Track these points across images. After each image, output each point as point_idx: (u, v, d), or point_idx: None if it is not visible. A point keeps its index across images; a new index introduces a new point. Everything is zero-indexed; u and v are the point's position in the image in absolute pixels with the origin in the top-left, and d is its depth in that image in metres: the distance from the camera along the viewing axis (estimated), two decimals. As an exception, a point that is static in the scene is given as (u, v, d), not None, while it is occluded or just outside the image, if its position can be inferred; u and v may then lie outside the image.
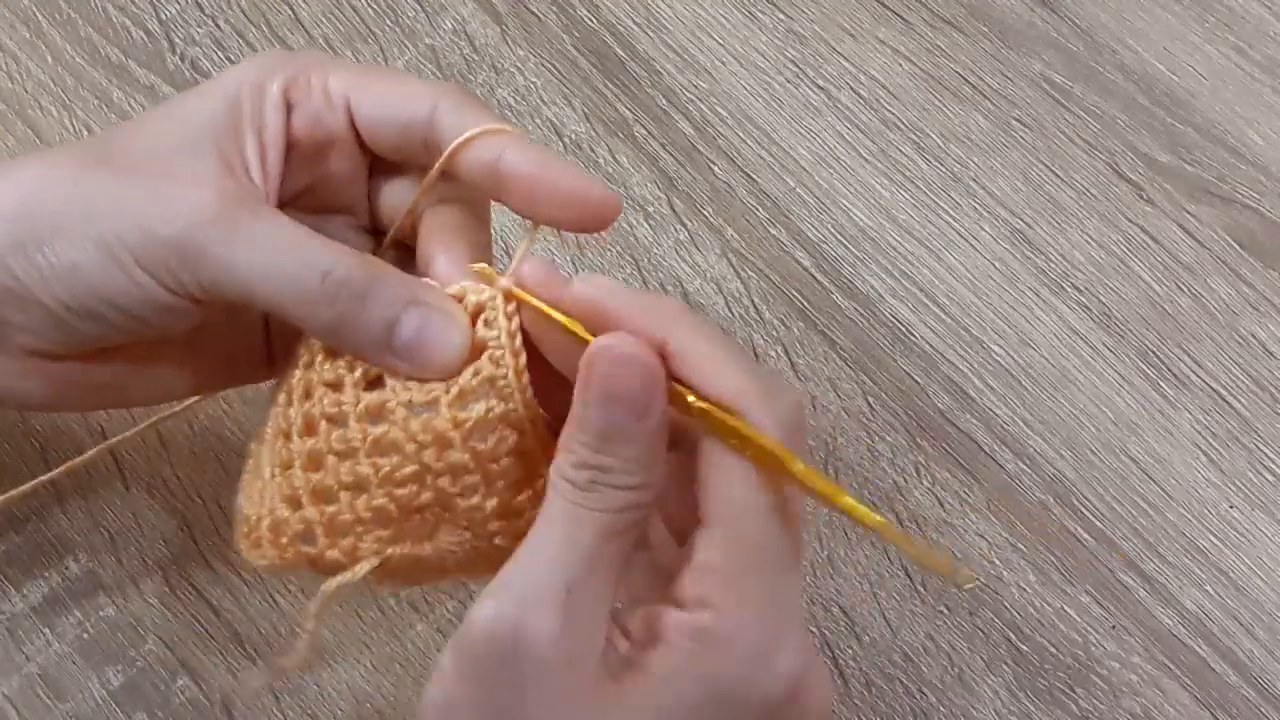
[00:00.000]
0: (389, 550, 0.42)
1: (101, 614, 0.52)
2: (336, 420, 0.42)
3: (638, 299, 0.39)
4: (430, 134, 0.43)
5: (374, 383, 0.42)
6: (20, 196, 0.42)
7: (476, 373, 0.41)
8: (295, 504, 0.42)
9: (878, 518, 0.37)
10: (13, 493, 0.49)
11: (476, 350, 0.41)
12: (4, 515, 0.53)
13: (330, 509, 0.42)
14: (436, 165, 0.43)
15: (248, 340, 0.47)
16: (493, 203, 0.45)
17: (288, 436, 0.42)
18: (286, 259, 0.40)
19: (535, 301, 0.40)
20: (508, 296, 0.41)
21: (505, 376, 0.41)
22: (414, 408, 0.41)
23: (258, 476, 0.43)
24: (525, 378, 0.41)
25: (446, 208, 0.44)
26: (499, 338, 0.41)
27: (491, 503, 0.42)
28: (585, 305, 0.39)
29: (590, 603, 0.38)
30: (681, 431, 0.39)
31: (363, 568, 0.42)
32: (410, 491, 0.41)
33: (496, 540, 0.42)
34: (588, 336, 0.39)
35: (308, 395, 0.42)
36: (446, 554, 0.42)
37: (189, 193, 0.41)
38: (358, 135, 0.44)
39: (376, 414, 0.41)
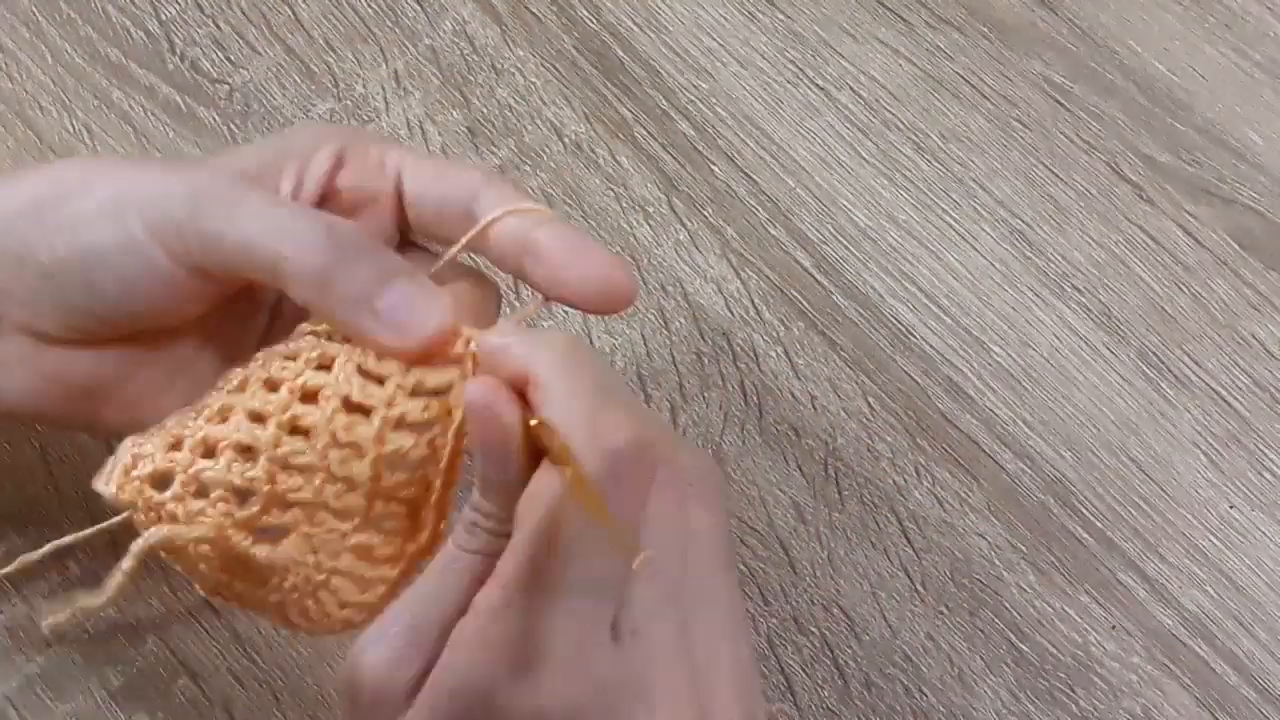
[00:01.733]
0: (228, 530, 0.41)
1: (101, 614, 0.52)
2: (271, 386, 0.41)
3: (516, 340, 0.40)
4: (470, 214, 0.44)
5: (324, 368, 0.42)
6: (46, 177, 0.43)
7: (427, 408, 0.41)
8: (174, 447, 0.42)
9: (628, 545, 0.38)
10: (31, 555, 0.48)
11: (440, 388, 0.41)
12: (3, 516, 0.53)
13: (203, 463, 0.41)
14: (469, 233, 0.43)
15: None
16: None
17: (216, 389, 0.42)
18: (291, 215, 0.42)
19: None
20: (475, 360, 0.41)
21: (444, 435, 0.41)
22: (348, 407, 0.41)
23: (160, 428, 0.43)
24: (460, 444, 0.41)
25: (459, 284, 0.44)
26: (460, 395, 0.41)
27: (357, 538, 0.42)
28: (490, 361, 0.40)
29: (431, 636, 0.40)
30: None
31: (195, 530, 0.41)
32: (293, 482, 0.41)
33: (327, 585, 0.42)
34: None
35: (261, 363, 0.42)
36: (273, 572, 0.42)
37: (201, 167, 0.42)
38: (397, 212, 0.45)
39: (310, 396, 0.41)
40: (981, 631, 0.53)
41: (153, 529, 0.42)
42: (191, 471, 0.41)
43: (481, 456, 0.39)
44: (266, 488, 0.41)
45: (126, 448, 0.43)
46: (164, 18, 0.62)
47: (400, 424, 0.41)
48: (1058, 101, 0.61)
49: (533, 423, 0.39)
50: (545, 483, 0.38)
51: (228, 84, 0.61)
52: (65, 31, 0.61)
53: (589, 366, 0.40)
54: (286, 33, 0.62)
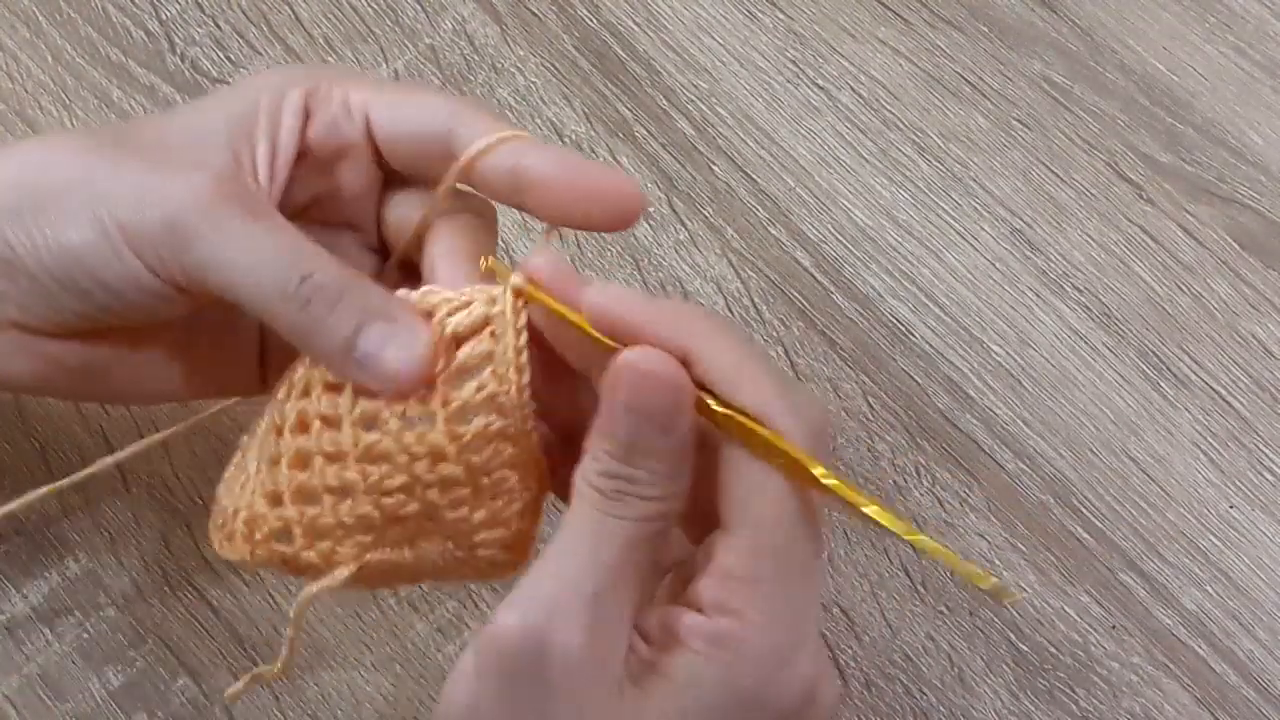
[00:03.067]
0: (367, 556, 0.42)
1: (101, 614, 0.52)
2: (330, 422, 0.41)
3: (659, 308, 0.39)
4: (448, 146, 0.43)
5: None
6: (22, 167, 0.42)
7: (480, 388, 0.40)
8: (276, 501, 0.42)
9: (911, 531, 0.38)
10: (13, 504, 0.49)
11: (479, 362, 0.41)
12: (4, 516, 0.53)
13: (311, 511, 0.41)
14: (451, 170, 0.43)
15: (241, 350, 0.47)
16: (498, 212, 0.45)
17: (279, 432, 0.42)
18: (270, 256, 0.40)
19: (549, 301, 0.40)
20: (517, 294, 0.40)
21: (508, 392, 0.40)
22: (409, 419, 0.40)
23: (242, 470, 0.43)
24: (527, 394, 0.41)
25: (453, 219, 0.44)
26: (506, 353, 0.40)
27: (479, 514, 0.41)
28: (603, 316, 0.39)
29: (615, 611, 0.38)
30: (702, 434, 0.39)
31: (341, 573, 0.41)
32: (397, 500, 0.41)
33: (479, 552, 0.42)
34: (605, 341, 0.39)
35: (306, 393, 0.42)
36: (426, 561, 0.42)
37: (186, 178, 0.41)
38: (374, 150, 0.44)
39: (370, 421, 0.41)
40: (981, 631, 0.53)
41: (310, 586, 0.42)
42: (306, 521, 0.42)
43: (637, 421, 0.38)
44: (377, 514, 0.41)
45: (224, 508, 0.43)
46: (164, 17, 0.62)
47: (463, 412, 0.40)
48: (1058, 101, 0.61)
49: (716, 407, 0.38)
50: (761, 472, 0.38)
51: (228, 83, 0.61)
52: (65, 31, 0.61)
53: (751, 343, 0.39)
54: (286, 32, 0.62)
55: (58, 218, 0.41)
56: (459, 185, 0.44)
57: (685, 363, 0.38)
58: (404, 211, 0.45)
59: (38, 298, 0.42)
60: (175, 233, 0.40)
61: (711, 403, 0.38)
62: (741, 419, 0.38)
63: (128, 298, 0.42)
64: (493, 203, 0.45)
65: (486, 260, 0.42)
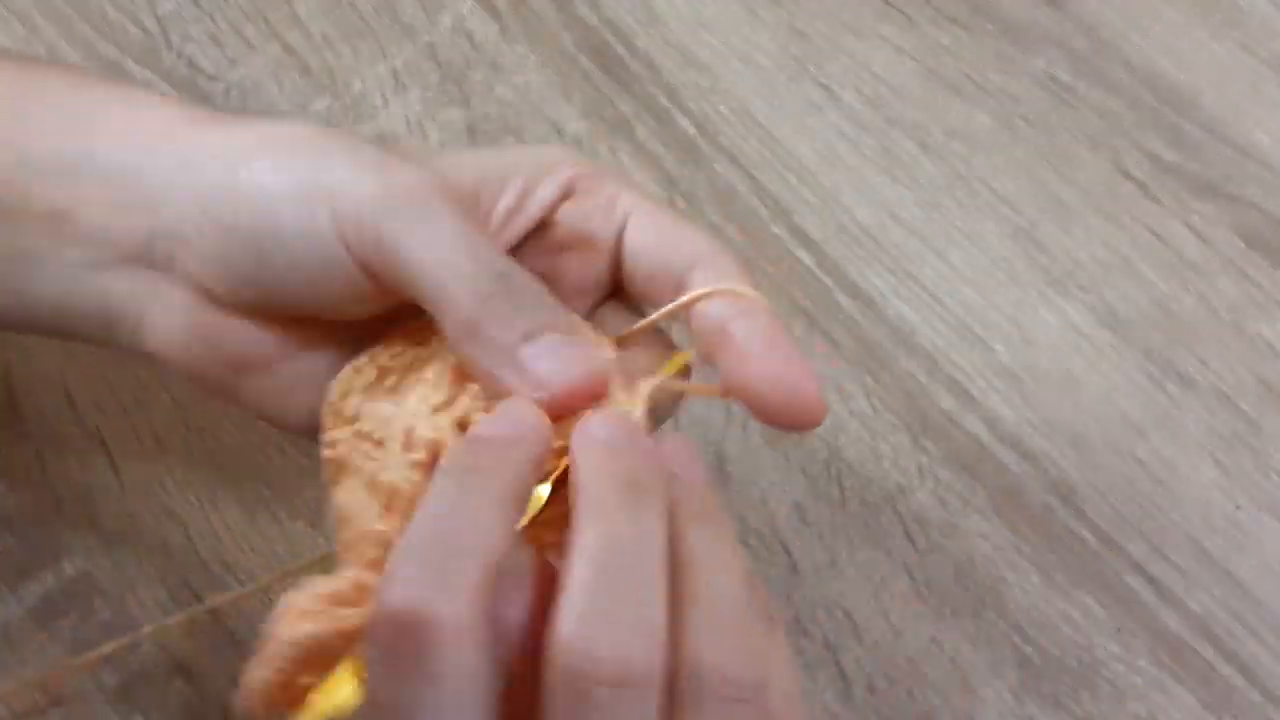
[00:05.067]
0: None
1: (97, 616, 0.52)
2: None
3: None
4: (682, 282, 0.42)
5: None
6: (255, 137, 0.41)
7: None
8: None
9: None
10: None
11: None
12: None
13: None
14: (670, 306, 0.42)
15: None
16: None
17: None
18: (471, 245, 0.39)
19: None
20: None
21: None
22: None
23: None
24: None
25: (639, 350, 0.43)
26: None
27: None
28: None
29: None
30: None
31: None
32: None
33: None
34: None
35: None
36: None
37: (406, 166, 0.40)
38: (616, 261, 0.43)
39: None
40: (985, 634, 0.53)
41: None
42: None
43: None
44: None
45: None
46: (161, 14, 0.61)
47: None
48: (1062, 99, 0.61)
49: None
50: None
51: (225, 81, 0.60)
52: (61, 28, 0.61)
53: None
54: (284, 29, 0.61)
55: (271, 182, 0.40)
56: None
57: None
58: (612, 324, 0.44)
59: (222, 255, 0.41)
60: (382, 202, 0.39)
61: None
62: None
63: (307, 268, 0.40)
64: (689, 359, 0.44)
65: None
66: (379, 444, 0.40)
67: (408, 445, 0.40)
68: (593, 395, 0.39)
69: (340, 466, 0.41)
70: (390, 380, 0.41)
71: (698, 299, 0.41)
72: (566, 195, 0.43)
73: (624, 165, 0.59)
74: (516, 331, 0.39)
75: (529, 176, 0.42)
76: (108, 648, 0.50)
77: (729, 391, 0.41)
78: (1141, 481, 0.55)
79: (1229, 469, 0.55)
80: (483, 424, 0.38)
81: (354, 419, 0.41)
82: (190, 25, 0.61)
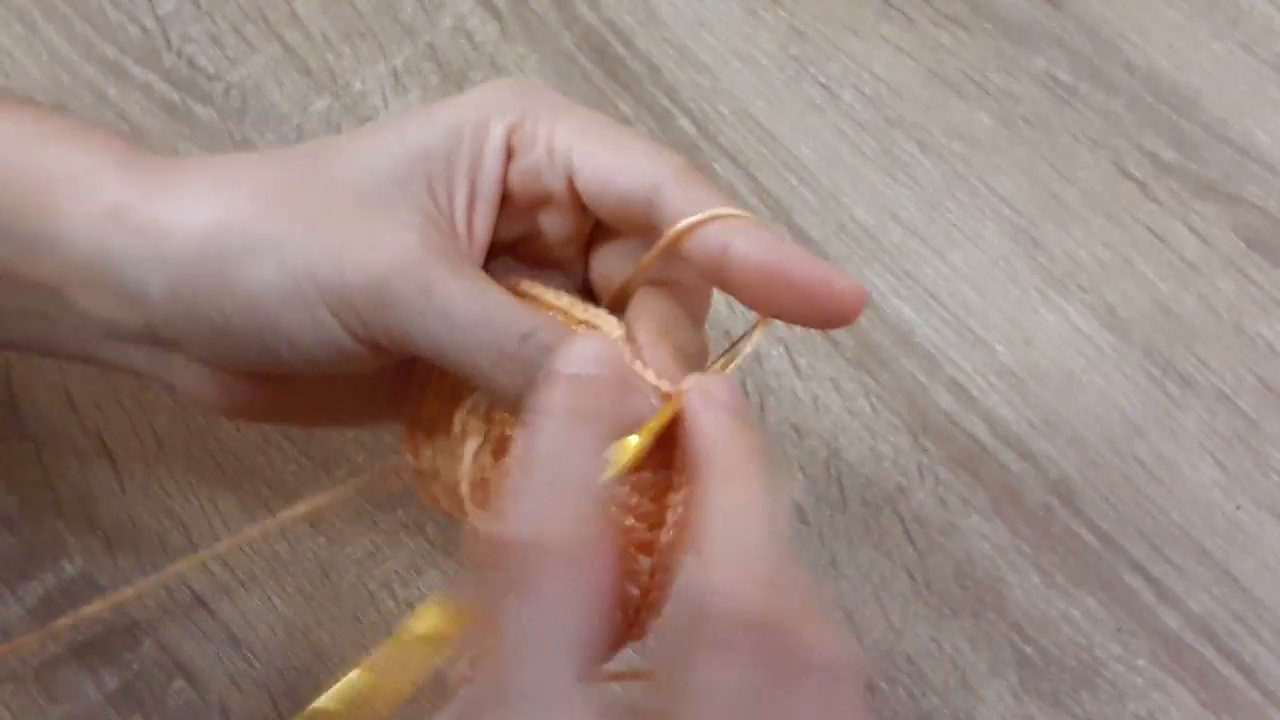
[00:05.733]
0: None
1: (97, 617, 0.52)
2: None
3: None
4: (653, 210, 0.40)
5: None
6: (217, 212, 0.40)
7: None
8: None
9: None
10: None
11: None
12: (-1, 517, 0.53)
13: None
14: (651, 251, 0.40)
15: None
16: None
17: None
18: (484, 317, 0.38)
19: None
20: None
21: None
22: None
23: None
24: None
25: (658, 297, 0.41)
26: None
27: None
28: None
29: None
30: None
31: None
32: None
33: None
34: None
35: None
36: None
37: (391, 234, 0.39)
38: (578, 199, 0.41)
39: None
40: (985, 634, 0.53)
41: None
42: None
43: None
44: None
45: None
46: (160, 14, 0.61)
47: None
48: (1062, 98, 0.61)
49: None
50: None
51: (225, 81, 0.60)
52: (61, 28, 0.61)
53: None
54: (284, 29, 0.61)
55: (247, 273, 0.39)
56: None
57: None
58: (610, 267, 0.43)
59: (220, 346, 0.40)
60: (380, 297, 0.38)
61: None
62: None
63: (317, 356, 0.40)
64: (704, 285, 0.42)
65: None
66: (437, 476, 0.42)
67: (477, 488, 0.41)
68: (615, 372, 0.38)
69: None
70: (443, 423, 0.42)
71: (682, 235, 0.40)
72: (510, 157, 0.41)
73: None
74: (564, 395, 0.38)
75: (471, 154, 0.41)
76: (68, 619, 0.49)
77: (766, 313, 0.40)
78: (1141, 481, 0.55)
79: (1229, 469, 0.55)
80: (573, 359, 0.36)
81: (416, 453, 0.42)
82: (190, 25, 0.61)
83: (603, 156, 0.41)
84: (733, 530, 0.34)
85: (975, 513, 0.54)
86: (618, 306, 0.42)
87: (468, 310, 0.38)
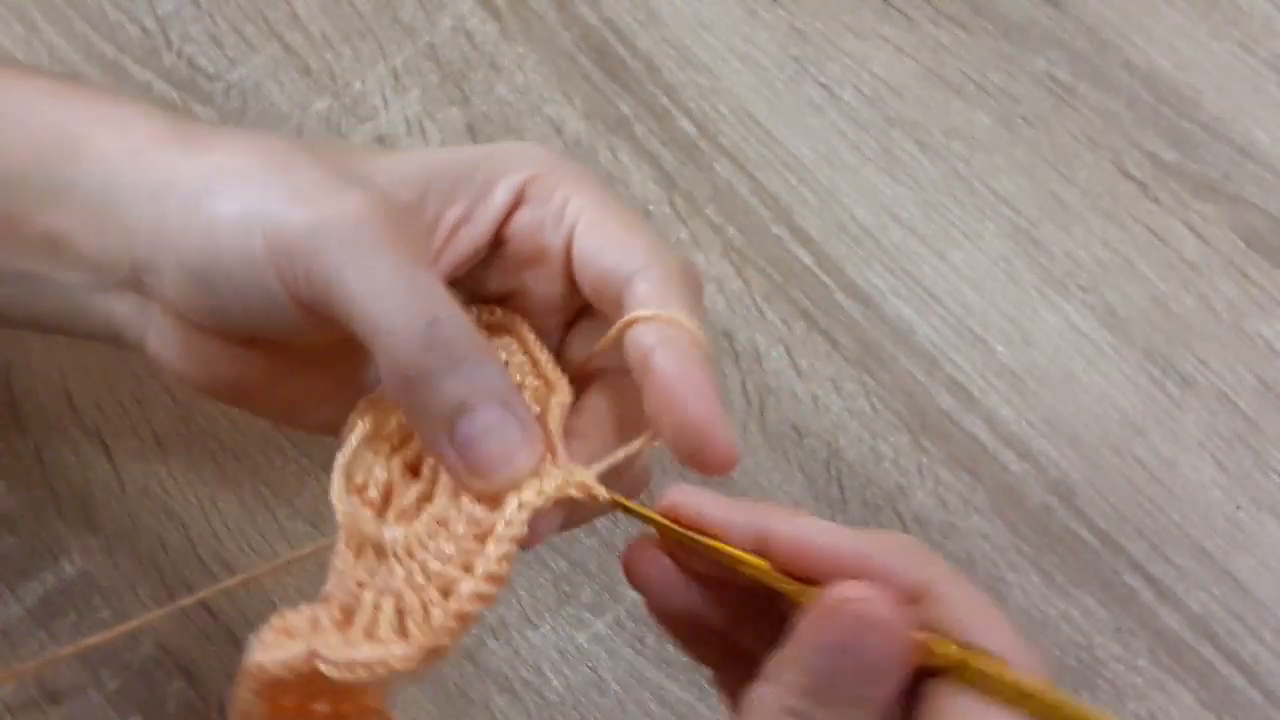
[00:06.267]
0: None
1: (97, 616, 0.52)
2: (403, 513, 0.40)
3: (879, 542, 0.35)
4: (623, 294, 0.40)
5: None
6: (221, 159, 0.41)
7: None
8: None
9: None
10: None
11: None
12: (-1, 517, 0.52)
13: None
14: (606, 336, 0.40)
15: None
16: None
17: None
18: (401, 288, 0.37)
19: (695, 536, 0.37)
20: (614, 504, 0.38)
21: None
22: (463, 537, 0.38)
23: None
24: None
25: (612, 391, 0.41)
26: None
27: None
28: (797, 547, 0.36)
29: None
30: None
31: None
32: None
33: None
34: (755, 562, 0.36)
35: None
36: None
37: (349, 195, 0.38)
38: (569, 264, 0.41)
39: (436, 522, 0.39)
40: (985, 634, 0.53)
41: None
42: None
43: (846, 666, 0.34)
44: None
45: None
46: (160, 14, 0.61)
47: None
48: (1062, 98, 0.61)
49: (941, 650, 0.35)
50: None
51: (224, 81, 0.60)
52: (61, 28, 0.61)
53: (972, 586, 0.36)
54: (284, 29, 0.61)
55: (216, 210, 0.39)
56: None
57: (918, 600, 0.35)
58: (584, 349, 0.43)
59: (180, 283, 0.40)
60: (315, 240, 0.38)
61: (938, 647, 0.35)
62: (980, 663, 0.35)
63: (249, 300, 0.39)
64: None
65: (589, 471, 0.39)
66: (374, 506, 0.40)
67: (362, 486, 0.40)
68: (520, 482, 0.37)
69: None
70: (384, 446, 0.41)
71: (627, 325, 0.39)
72: (519, 202, 0.41)
73: (624, 165, 0.59)
74: (450, 399, 0.37)
75: (482, 183, 0.41)
76: (96, 639, 0.49)
77: (655, 427, 0.39)
78: (1141, 481, 0.55)
79: (1229, 469, 0.55)
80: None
81: (352, 476, 0.41)
82: (190, 25, 0.61)
83: (605, 231, 0.41)
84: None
85: (975, 513, 0.54)
86: (584, 385, 0.42)
87: (392, 277, 0.38)
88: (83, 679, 0.51)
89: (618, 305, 0.40)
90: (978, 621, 0.35)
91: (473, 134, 0.59)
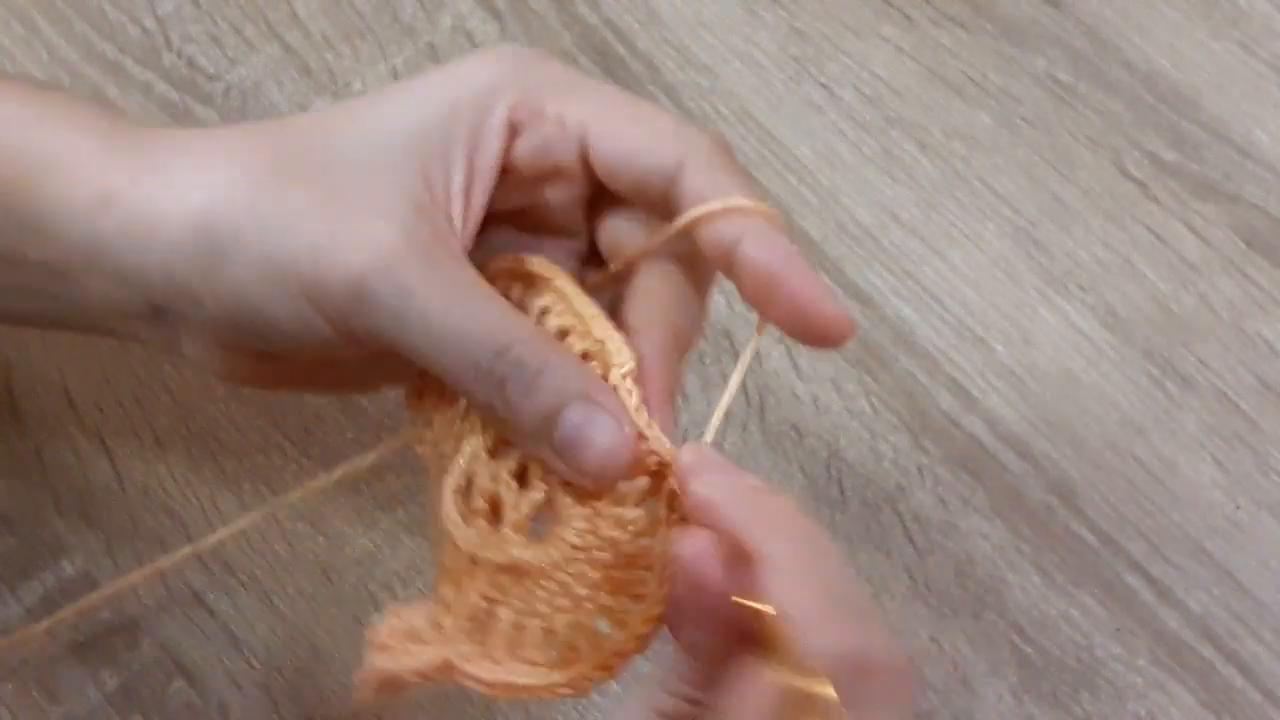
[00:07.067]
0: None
1: (97, 616, 0.52)
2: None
3: (749, 502, 0.37)
4: (671, 189, 0.39)
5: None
6: (204, 199, 0.39)
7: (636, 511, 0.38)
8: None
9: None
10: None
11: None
12: (-1, 517, 0.52)
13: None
14: (663, 233, 0.40)
15: None
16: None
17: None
18: (460, 325, 0.37)
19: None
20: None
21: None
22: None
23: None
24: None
25: (664, 274, 0.41)
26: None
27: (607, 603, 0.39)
28: (704, 515, 0.37)
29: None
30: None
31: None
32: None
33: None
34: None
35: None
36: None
37: (373, 230, 0.38)
38: (587, 167, 0.40)
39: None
40: (985, 634, 0.53)
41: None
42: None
43: (682, 614, 0.37)
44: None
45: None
46: (160, 14, 0.61)
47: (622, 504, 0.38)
48: (1062, 98, 0.61)
49: (762, 608, 0.36)
50: (762, 680, 0.35)
51: (224, 81, 0.60)
52: (60, 28, 0.61)
53: (825, 558, 0.37)
54: (284, 29, 0.61)
55: (234, 266, 0.39)
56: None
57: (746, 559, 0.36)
58: (618, 234, 0.42)
59: (219, 326, 0.40)
60: (358, 296, 0.38)
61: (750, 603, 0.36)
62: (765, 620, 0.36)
63: (305, 344, 0.39)
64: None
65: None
66: (443, 460, 0.40)
67: (465, 494, 0.39)
68: (632, 462, 0.38)
69: (429, 464, 0.41)
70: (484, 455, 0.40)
71: (697, 220, 0.39)
72: (514, 135, 0.40)
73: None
74: (540, 411, 0.38)
75: (469, 134, 0.40)
76: (69, 610, 0.49)
77: (763, 315, 0.39)
78: (1141, 481, 0.55)
79: (1229, 469, 0.55)
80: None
81: (429, 423, 0.41)
82: (190, 25, 0.61)
83: (623, 132, 0.40)
84: (799, 591, 0.35)
85: (975, 513, 0.54)
86: (624, 276, 0.42)
87: (445, 318, 0.38)
88: (83, 679, 0.51)
89: (664, 200, 0.40)
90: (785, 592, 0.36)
91: (473, 134, 0.59)
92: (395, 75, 0.61)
